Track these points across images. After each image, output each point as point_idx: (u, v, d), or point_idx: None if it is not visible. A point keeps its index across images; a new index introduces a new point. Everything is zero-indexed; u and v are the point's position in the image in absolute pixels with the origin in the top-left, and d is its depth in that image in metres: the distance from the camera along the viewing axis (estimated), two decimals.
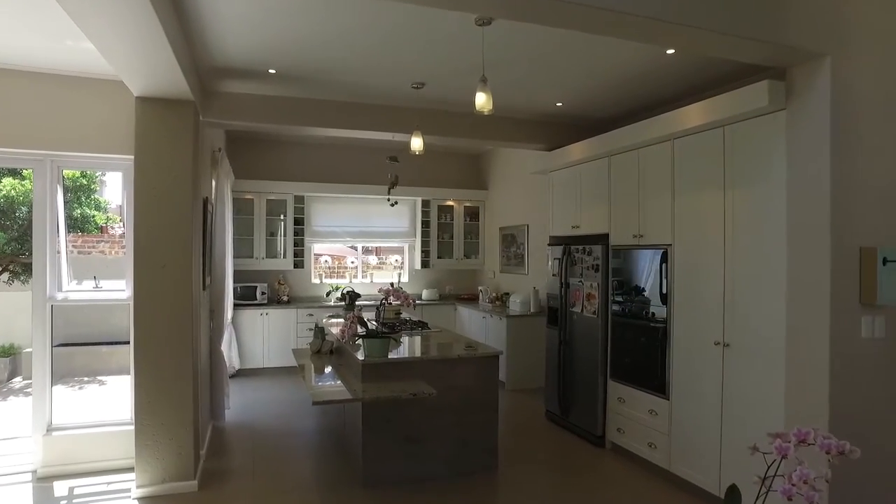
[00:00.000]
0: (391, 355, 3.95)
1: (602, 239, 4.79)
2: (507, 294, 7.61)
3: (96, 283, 5.12)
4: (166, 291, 3.65)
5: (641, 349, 4.30)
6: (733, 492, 1.78)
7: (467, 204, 8.81)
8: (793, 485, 1.68)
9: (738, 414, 3.46)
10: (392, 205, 5.58)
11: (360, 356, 3.88)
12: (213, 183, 5.26)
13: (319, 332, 5.16)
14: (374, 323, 5.53)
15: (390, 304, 5.27)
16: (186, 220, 3.72)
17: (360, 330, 3.85)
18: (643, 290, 4.30)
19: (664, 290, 4.07)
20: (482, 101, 3.03)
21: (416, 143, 4.35)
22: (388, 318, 5.42)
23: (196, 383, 3.89)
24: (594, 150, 4.82)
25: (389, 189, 5.28)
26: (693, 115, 3.75)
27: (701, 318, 3.75)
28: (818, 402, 2.96)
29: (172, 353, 3.66)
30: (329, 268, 8.74)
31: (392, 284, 5.42)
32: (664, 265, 4.08)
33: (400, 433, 3.92)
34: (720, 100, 3.53)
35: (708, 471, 3.67)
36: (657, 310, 4.14)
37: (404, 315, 6.00)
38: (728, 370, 3.54)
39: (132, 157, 3.64)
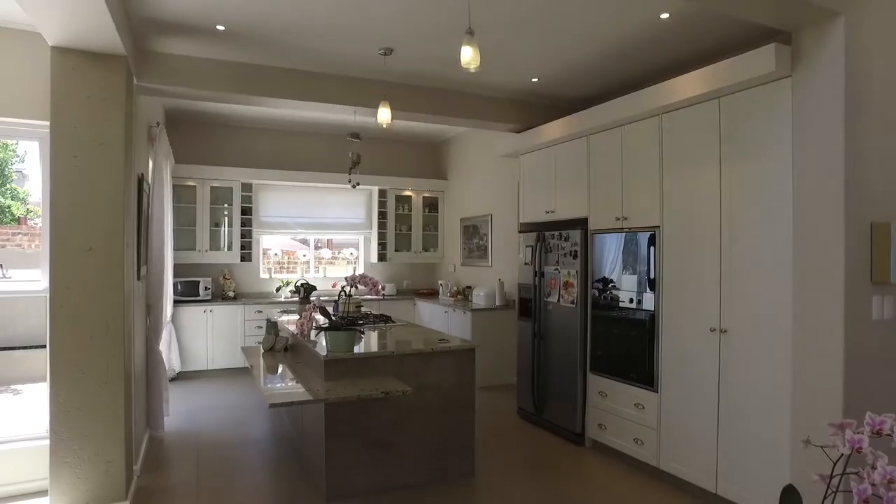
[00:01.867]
0: (358, 349, 3.51)
1: (580, 224, 4.50)
2: (469, 288, 7.28)
3: (3, 273, 4.43)
4: (92, 280, 3.09)
5: (626, 339, 4.02)
6: (790, 493, 1.47)
7: (426, 194, 8.41)
8: (872, 484, 1.39)
9: (738, 404, 3.21)
10: (353, 186, 5.13)
11: (322, 351, 3.43)
12: (150, 162, 4.67)
13: (272, 327, 4.66)
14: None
15: (351, 295, 4.84)
16: (117, 197, 3.17)
17: (321, 321, 3.40)
18: (628, 275, 4.03)
19: (652, 275, 3.80)
20: (468, 56, 2.65)
21: (384, 115, 3.93)
22: (348, 311, 4.96)
23: (129, 387, 3.34)
24: (572, 128, 4.52)
25: (350, 169, 4.83)
26: (686, 85, 3.49)
27: (694, 303, 3.50)
28: (831, 390, 2.73)
29: (100, 352, 3.10)
30: (279, 262, 8.16)
31: (354, 271, 4.95)
32: (652, 248, 3.81)
33: (368, 438, 3.49)
34: (719, 67, 3.27)
35: (703, 466, 3.42)
36: (644, 296, 3.88)
37: (366, 309, 5.55)
38: (725, 358, 3.29)
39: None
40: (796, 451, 2.84)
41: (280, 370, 3.86)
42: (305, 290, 5.13)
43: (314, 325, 3.54)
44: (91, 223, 3.09)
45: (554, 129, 4.75)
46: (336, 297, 5.09)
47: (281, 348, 4.51)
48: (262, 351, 4.55)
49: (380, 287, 3.38)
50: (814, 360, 2.81)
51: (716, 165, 3.37)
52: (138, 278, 3.89)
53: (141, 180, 3.93)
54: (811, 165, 2.85)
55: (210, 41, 3.81)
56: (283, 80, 4.34)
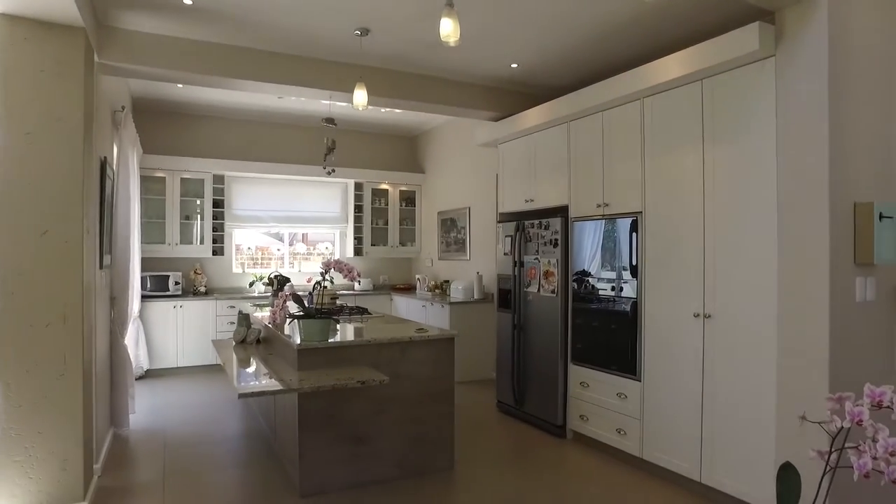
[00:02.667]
0: (333, 338, 3.38)
1: (561, 211, 4.42)
2: (447, 282, 7.18)
3: None
4: (48, 266, 2.90)
5: (608, 328, 3.96)
6: (788, 470, 1.39)
7: (403, 188, 8.28)
8: (874, 458, 1.31)
9: (722, 390, 3.16)
10: (329, 173, 4.97)
11: (296, 341, 3.29)
12: (115, 148, 4.46)
13: (244, 319, 4.50)
14: None
15: (326, 287, 4.70)
16: (75, 177, 2.98)
17: (295, 309, 3.25)
18: (609, 262, 3.96)
19: (634, 262, 3.74)
20: (448, 29, 2.54)
21: (360, 98, 3.79)
22: (323, 304, 4.81)
23: (89, 381, 3.16)
24: (552, 114, 4.44)
25: (326, 155, 4.68)
26: (668, 67, 3.43)
27: (678, 289, 3.44)
28: (815, 373, 2.68)
29: (56, 343, 2.91)
30: (252, 257, 7.95)
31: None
32: (634, 235, 3.75)
33: (343, 431, 3.35)
34: (702, 48, 3.22)
35: (687, 455, 3.36)
36: (626, 284, 3.81)
37: (342, 302, 5.41)
38: (710, 343, 3.23)
39: None
40: (782, 434, 2.78)
41: (252, 361, 3.70)
42: (279, 282, 4.97)
43: (287, 313, 3.39)
44: (47, 204, 2.90)
45: (533, 116, 4.66)
46: (310, 291, 4.95)
47: (253, 340, 4.35)
48: (233, 343, 4.38)
49: (355, 273, 3.26)
50: (799, 343, 2.77)
51: (698, 148, 3.32)
52: (101, 267, 3.70)
53: (104, 164, 3.73)
54: (795, 146, 2.81)
55: (177, 17, 3.63)
56: (255, 62, 4.17)
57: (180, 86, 5.95)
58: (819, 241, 2.70)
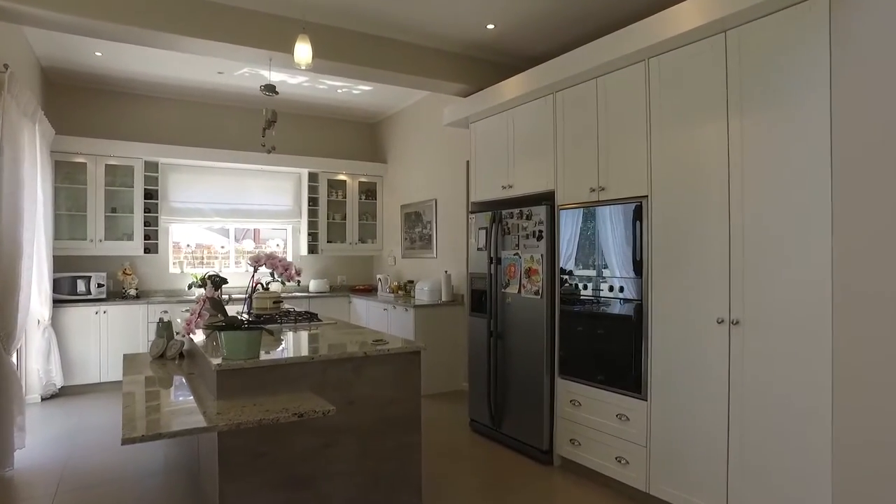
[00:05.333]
0: (266, 356, 2.63)
1: (546, 198, 3.77)
2: (412, 282, 6.48)
3: None
4: None
5: (605, 335, 3.31)
6: None
7: (362, 179, 7.52)
8: None
9: (756, 411, 2.54)
10: (268, 151, 4.20)
11: (217, 359, 2.53)
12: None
13: (165, 328, 3.69)
14: (244, 316, 4.13)
15: (267, 287, 3.95)
16: None
17: (203, 319, 2.50)
18: (606, 258, 3.32)
19: (638, 257, 3.10)
20: (303, 54, 1.86)
21: (303, 53, 3.05)
22: (263, 308, 4.04)
23: None
24: (535, 83, 3.77)
25: (265, 130, 3.91)
26: (682, 17, 2.80)
27: (694, 289, 2.81)
28: (887, 388, 2.08)
29: None
30: (193, 254, 7.07)
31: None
32: (637, 224, 3.11)
33: (279, 474, 2.61)
34: None
35: (708, 493, 2.73)
36: (628, 283, 3.17)
37: (289, 306, 4.64)
38: (738, 355, 2.61)
39: None
40: (839, 463, 2.17)
41: (172, 384, 2.91)
42: (213, 283, 4.16)
43: (205, 324, 2.63)
44: None
45: (512, 88, 3.99)
46: (248, 294, 4.18)
47: (174, 355, 3.55)
48: (150, 358, 3.58)
49: (293, 270, 2.52)
50: (864, 353, 2.16)
51: (721, 118, 2.69)
52: None
53: None
54: (864, 108, 2.20)
55: None
56: (175, 11, 3.38)
57: (98, 53, 5.09)
58: (891, 230, 2.10)
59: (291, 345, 3.10)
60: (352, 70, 3.97)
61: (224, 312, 2.48)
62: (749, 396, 2.56)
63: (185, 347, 3.59)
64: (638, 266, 3.10)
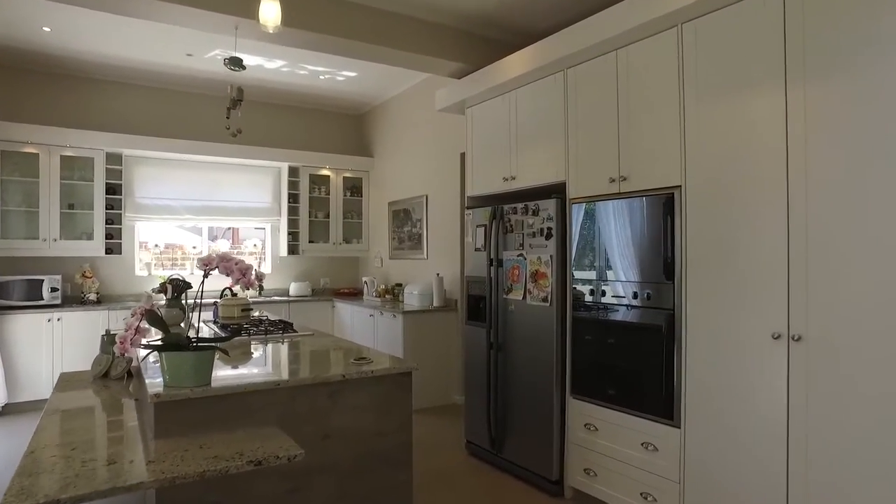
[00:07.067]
0: (220, 380, 2.11)
1: (556, 190, 3.28)
2: (400, 285, 5.98)
3: None
4: None
5: (627, 350, 2.83)
6: None
7: (347, 174, 6.99)
8: None
9: (824, 444, 2.07)
10: (234, 135, 3.67)
11: (157, 387, 2.02)
12: None
13: (111, 341, 3.14)
14: (211, 326, 3.61)
15: (236, 294, 3.44)
16: None
17: (143, 335, 1.98)
18: (630, 258, 2.84)
19: (669, 258, 2.63)
20: (269, 13, 1.44)
21: (269, 12, 2.53)
22: (230, 316, 3.52)
23: None
24: (542, 58, 3.29)
25: (228, 111, 3.39)
26: None
27: (742, 297, 2.34)
28: None
29: None
30: (162, 255, 6.50)
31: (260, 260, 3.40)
32: (668, 219, 2.63)
33: None
34: None
35: None
36: (656, 288, 2.69)
37: (261, 314, 4.12)
38: (800, 378, 2.14)
39: None
40: None
41: (102, 413, 2.39)
42: (176, 288, 3.64)
43: (144, 342, 2.11)
44: None
45: (515, 65, 3.50)
46: (215, 302, 3.67)
47: (120, 374, 3.01)
48: (91, 378, 3.04)
49: (252, 276, 2.01)
50: None
51: (778, 88, 2.22)
52: None
53: None
54: None
55: None
56: None
57: (46, 28, 4.52)
58: None
59: (256, 365, 2.58)
60: (330, 43, 3.43)
61: (164, 328, 1.97)
62: (817, 428, 2.09)
63: (135, 364, 3.05)
64: (669, 269, 2.62)
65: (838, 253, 2.04)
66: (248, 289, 2.09)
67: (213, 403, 2.07)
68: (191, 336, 2.02)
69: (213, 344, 2.06)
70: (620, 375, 2.86)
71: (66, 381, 2.95)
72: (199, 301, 2.09)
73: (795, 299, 2.15)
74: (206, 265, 1.96)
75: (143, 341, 2.13)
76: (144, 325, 2.08)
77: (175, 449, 1.84)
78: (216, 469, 1.71)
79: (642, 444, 2.74)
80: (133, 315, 2.08)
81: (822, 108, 2.09)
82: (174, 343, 1.98)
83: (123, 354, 2.22)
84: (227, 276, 2.00)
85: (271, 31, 2.61)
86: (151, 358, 2.44)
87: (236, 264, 1.97)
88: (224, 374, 2.28)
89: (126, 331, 2.09)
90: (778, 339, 2.20)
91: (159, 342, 1.98)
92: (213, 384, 2.08)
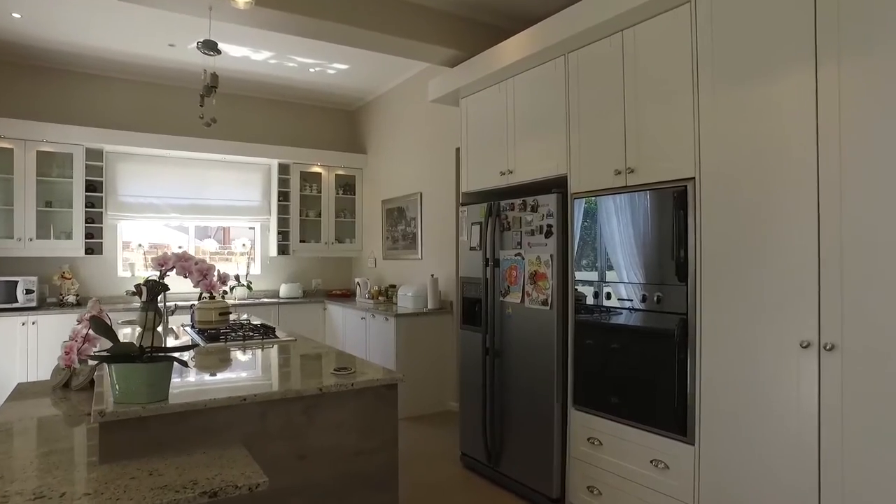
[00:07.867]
0: (179, 396, 1.87)
1: (556, 185, 3.05)
2: (394, 286, 5.75)
3: None
4: None
5: (635, 357, 2.59)
6: None
7: (339, 172, 6.75)
8: None
9: (860, 465, 1.83)
10: (207, 125, 3.42)
11: (104, 404, 1.78)
12: None
13: None
14: (188, 331, 3.37)
15: (213, 296, 3.21)
16: None
17: (93, 344, 1.74)
18: (638, 258, 2.60)
19: (682, 257, 2.39)
20: None
21: None
22: (207, 321, 3.27)
23: None
24: (540, 42, 3.05)
25: (202, 98, 3.14)
26: None
27: (766, 302, 2.10)
28: None
29: None
30: (146, 255, 6.24)
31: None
32: (681, 214, 2.40)
33: None
34: None
35: None
36: (668, 291, 2.45)
37: (241, 317, 3.88)
38: (833, 391, 1.90)
39: None
40: None
41: (51, 431, 2.14)
42: (151, 290, 3.38)
43: (92, 350, 1.87)
44: None
45: (512, 50, 3.26)
46: (192, 306, 3.43)
47: (82, 384, 2.76)
48: (51, 388, 2.79)
49: (214, 279, 1.77)
50: None
51: (808, 68, 1.98)
52: None
53: None
54: None
55: None
56: None
57: (17, 15, 4.28)
58: None
59: (224, 377, 2.33)
60: (309, 25, 3.18)
61: (112, 336, 1.72)
62: (854, 449, 1.85)
63: (98, 373, 2.81)
64: (682, 270, 2.39)
65: (875, 253, 1.80)
66: (210, 291, 1.85)
67: (171, 422, 1.82)
68: (144, 346, 1.77)
69: (170, 354, 1.81)
70: (627, 385, 2.62)
71: (21, 393, 2.70)
72: (167, 305, 1.84)
73: (828, 304, 1.91)
74: (162, 265, 1.71)
75: (93, 351, 1.89)
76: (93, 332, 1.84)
77: (120, 477, 1.60)
78: (171, 501, 1.46)
79: (651, 462, 2.50)
80: (79, 322, 1.84)
81: (860, 86, 1.85)
82: (124, 353, 1.73)
83: (68, 366, 1.97)
84: (185, 277, 1.75)
85: (241, 8, 2.37)
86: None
87: (196, 264, 1.73)
88: (185, 388, 2.03)
89: (72, 339, 1.85)
90: (807, 347, 1.97)
91: (105, 353, 1.73)
92: (171, 400, 1.84)
